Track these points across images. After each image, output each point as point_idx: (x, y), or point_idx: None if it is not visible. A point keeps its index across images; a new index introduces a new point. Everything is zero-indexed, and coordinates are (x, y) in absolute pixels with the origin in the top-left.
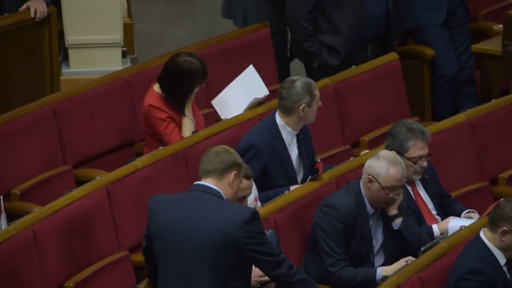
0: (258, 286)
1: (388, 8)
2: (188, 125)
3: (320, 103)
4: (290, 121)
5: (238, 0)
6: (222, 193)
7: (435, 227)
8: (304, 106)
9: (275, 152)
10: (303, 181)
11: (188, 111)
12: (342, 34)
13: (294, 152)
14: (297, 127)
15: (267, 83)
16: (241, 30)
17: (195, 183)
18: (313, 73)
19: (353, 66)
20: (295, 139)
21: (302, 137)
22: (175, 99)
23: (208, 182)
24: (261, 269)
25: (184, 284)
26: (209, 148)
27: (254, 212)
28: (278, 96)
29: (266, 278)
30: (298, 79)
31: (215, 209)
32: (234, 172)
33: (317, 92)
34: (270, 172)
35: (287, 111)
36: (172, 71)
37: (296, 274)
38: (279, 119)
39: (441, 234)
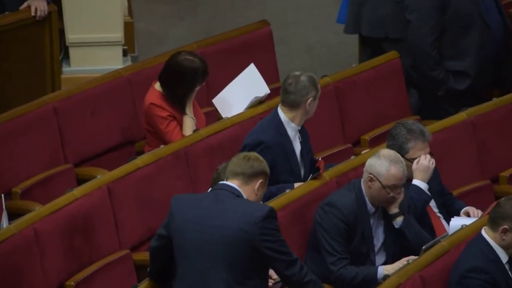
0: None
1: (505, 23)
2: (189, 124)
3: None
4: (295, 116)
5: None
6: (242, 193)
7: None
8: (311, 100)
9: (282, 148)
10: (304, 178)
11: (189, 109)
12: (469, 56)
13: (297, 148)
14: (301, 122)
15: (268, 82)
16: (242, 29)
17: (219, 182)
18: (431, 100)
19: (353, 65)
20: (298, 135)
21: (302, 134)
22: (176, 98)
23: (233, 183)
24: (274, 269)
25: (201, 282)
26: (240, 153)
27: (271, 210)
28: (283, 91)
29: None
30: (302, 73)
31: (232, 207)
32: (260, 180)
33: (319, 86)
34: (276, 167)
35: (293, 105)
36: (173, 70)
37: (307, 274)
38: (283, 115)
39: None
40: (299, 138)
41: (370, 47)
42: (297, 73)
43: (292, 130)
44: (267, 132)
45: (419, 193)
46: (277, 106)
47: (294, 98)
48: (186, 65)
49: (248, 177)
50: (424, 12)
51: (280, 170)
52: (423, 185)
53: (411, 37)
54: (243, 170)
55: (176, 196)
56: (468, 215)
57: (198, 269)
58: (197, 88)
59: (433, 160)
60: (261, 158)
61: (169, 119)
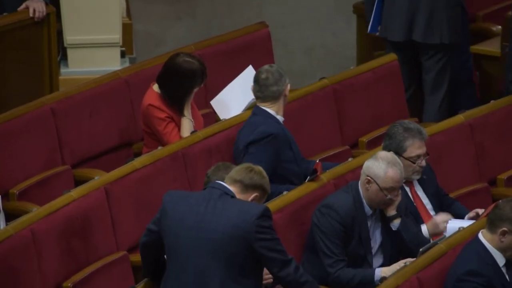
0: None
1: None
2: (187, 125)
3: None
4: (278, 107)
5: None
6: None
7: (423, 227)
8: (288, 86)
9: (284, 137)
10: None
11: (187, 111)
12: None
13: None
14: (282, 112)
15: None
16: (240, 30)
17: (215, 181)
18: None
19: (351, 67)
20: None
21: None
22: (174, 99)
23: (229, 187)
24: (269, 269)
25: (195, 280)
26: (245, 163)
27: (266, 209)
28: (262, 87)
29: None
30: (269, 66)
31: (228, 205)
32: (256, 194)
33: None
34: (281, 156)
35: (275, 97)
36: (171, 71)
37: (303, 275)
38: (268, 109)
39: (429, 230)
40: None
41: (403, 52)
42: (265, 67)
43: (281, 119)
44: (269, 124)
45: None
46: (256, 108)
47: (277, 88)
48: (184, 67)
49: (245, 187)
50: None
51: (285, 159)
52: (424, 229)
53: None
54: (242, 179)
55: (169, 192)
56: (477, 214)
57: (194, 266)
58: (195, 90)
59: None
60: (264, 173)
61: (167, 120)
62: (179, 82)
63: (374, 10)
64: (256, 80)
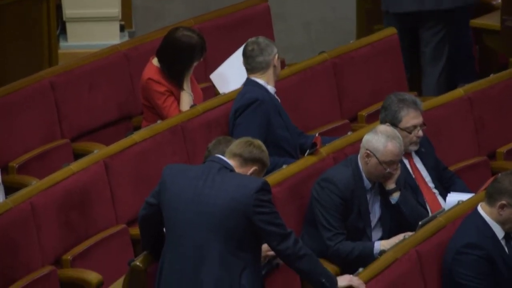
0: (265, 262)
1: None
2: (186, 99)
3: None
4: (268, 77)
5: None
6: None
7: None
8: (277, 56)
9: (272, 104)
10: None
11: (186, 85)
12: None
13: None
14: (273, 82)
15: None
16: (239, 5)
17: (214, 155)
18: None
19: (351, 41)
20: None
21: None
22: (174, 73)
23: (228, 160)
24: (268, 242)
25: (193, 253)
26: (244, 137)
27: (265, 183)
28: (249, 59)
29: (272, 253)
30: (256, 37)
31: (227, 178)
32: (255, 167)
33: None
34: (272, 122)
35: (264, 67)
36: (171, 45)
37: (301, 248)
38: (258, 79)
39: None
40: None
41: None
42: (252, 39)
43: (271, 90)
44: (256, 91)
45: None
46: (246, 79)
47: (263, 58)
48: (184, 41)
49: (244, 160)
50: None
51: (275, 124)
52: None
53: None
54: (241, 153)
55: (169, 166)
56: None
57: (192, 240)
58: (195, 64)
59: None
60: (263, 147)
61: (167, 94)
62: (179, 56)
63: None
64: (244, 52)
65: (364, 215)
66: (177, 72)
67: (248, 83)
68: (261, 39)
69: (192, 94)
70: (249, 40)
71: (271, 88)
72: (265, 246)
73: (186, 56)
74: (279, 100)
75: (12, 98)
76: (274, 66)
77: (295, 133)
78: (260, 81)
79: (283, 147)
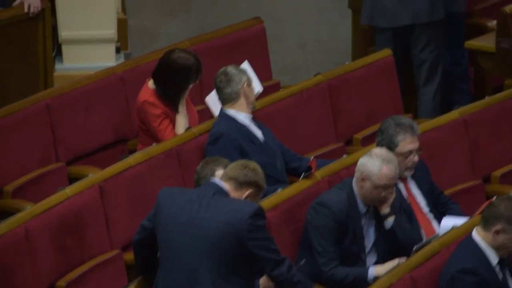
0: None
1: None
2: (182, 122)
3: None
4: (240, 106)
5: None
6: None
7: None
8: (246, 85)
9: (242, 133)
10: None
11: (182, 107)
12: None
13: (258, 132)
14: (248, 110)
15: (261, 79)
16: (235, 26)
17: (210, 180)
18: None
19: (346, 62)
20: (253, 123)
21: (260, 127)
22: (169, 95)
23: (223, 184)
24: (262, 268)
25: (187, 277)
26: (240, 160)
27: (259, 208)
28: (219, 91)
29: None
30: (226, 67)
31: (222, 202)
32: (250, 190)
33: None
34: (246, 151)
35: (234, 97)
36: (166, 67)
37: (295, 275)
38: (229, 110)
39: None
40: (256, 125)
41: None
42: (222, 69)
43: (244, 118)
44: (223, 124)
45: None
46: (220, 110)
47: (231, 89)
48: (179, 63)
49: (239, 184)
50: None
51: (250, 153)
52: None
53: None
54: (236, 176)
55: (164, 189)
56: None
57: (186, 263)
58: (191, 86)
59: None
60: (259, 170)
61: (162, 117)
62: (174, 78)
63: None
64: (214, 84)
65: (358, 239)
66: (173, 94)
67: (220, 114)
68: (230, 68)
69: (187, 116)
70: (220, 70)
71: (244, 116)
72: (264, 279)
73: (181, 78)
74: (257, 125)
75: (7, 121)
76: (245, 95)
77: (288, 155)
78: (231, 111)
79: (265, 173)
